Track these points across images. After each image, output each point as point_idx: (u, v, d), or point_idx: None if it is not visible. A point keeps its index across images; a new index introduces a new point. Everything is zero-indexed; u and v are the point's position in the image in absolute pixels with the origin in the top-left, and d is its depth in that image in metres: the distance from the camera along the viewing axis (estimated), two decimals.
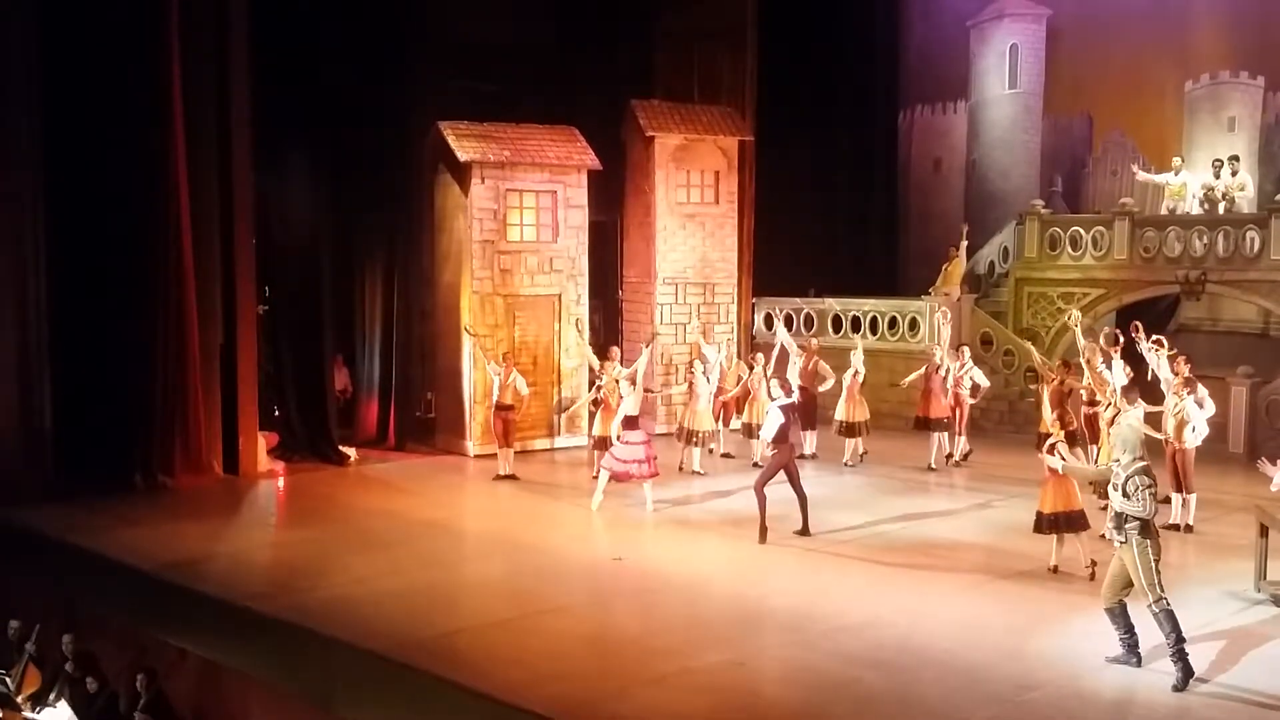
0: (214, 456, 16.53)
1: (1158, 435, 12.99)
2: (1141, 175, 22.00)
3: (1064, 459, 11.17)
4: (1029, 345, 17.95)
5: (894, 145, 27.05)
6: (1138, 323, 14.75)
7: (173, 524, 14.00)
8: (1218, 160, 21.06)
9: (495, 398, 17.05)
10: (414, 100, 19.26)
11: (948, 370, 17.47)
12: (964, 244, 21.73)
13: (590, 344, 18.16)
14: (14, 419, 15.38)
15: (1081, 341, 15.19)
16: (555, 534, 13.77)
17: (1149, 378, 14.25)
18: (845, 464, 17.55)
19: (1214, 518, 14.04)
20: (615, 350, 16.76)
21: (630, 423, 14.43)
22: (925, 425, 17.61)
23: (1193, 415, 13.39)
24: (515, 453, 17.01)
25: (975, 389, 17.60)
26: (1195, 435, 13.45)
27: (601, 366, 16.09)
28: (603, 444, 15.27)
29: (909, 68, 27.05)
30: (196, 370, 16.17)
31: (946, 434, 17.52)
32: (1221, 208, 20.46)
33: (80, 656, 12.90)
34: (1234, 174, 20.74)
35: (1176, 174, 21.30)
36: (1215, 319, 22.16)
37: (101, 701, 12.26)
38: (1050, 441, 11.45)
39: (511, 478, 16.59)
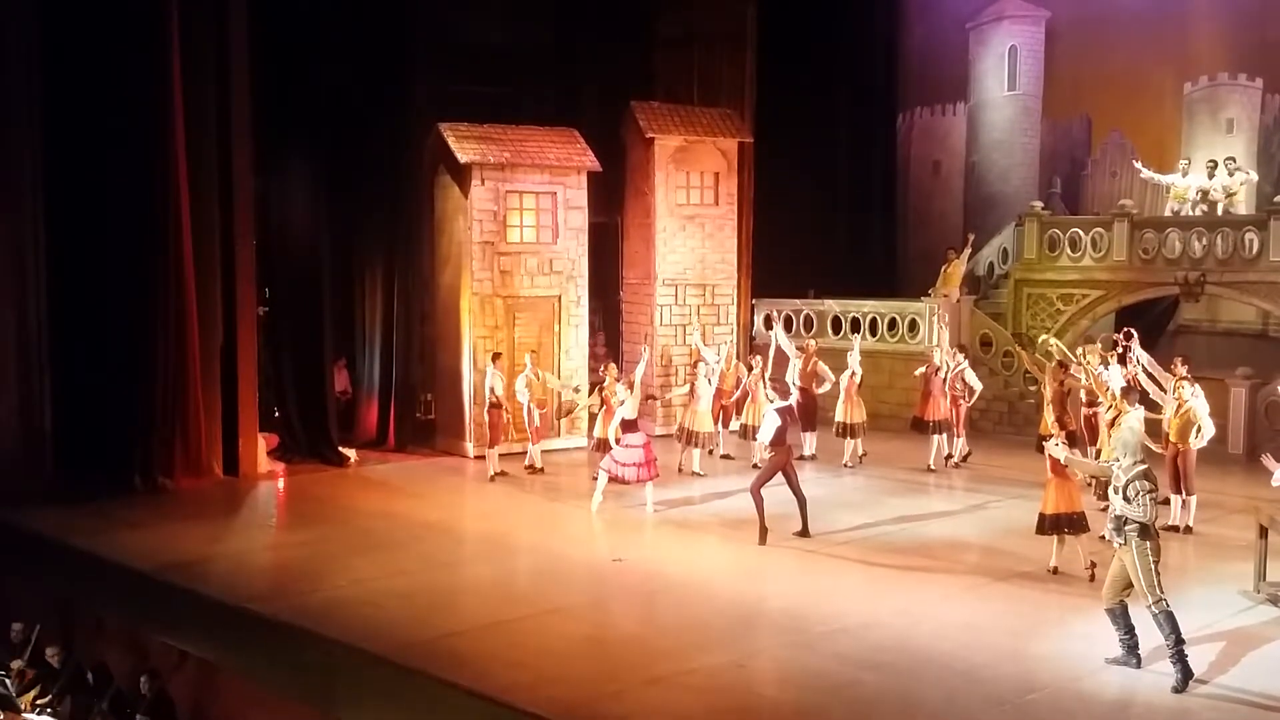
0: (214, 458, 16.53)
1: (1156, 448, 12.96)
2: (1146, 173, 22.00)
3: (1067, 453, 11.18)
4: (1020, 350, 17.95)
5: (893, 147, 27.08)
6: (1130, 329, 14.77)
7: (172, 525, 14.00)
8: (1211, 161, 21.08)
9: (519, 397, 17.07)
10: (414, 102, 19.27)
11: (946, 371, 17.48)
12: (967, 250, 21.75)
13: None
14: (14, 420, 15.39)
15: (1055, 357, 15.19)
16: (555, 535, 13.77)
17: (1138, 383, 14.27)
18: (845, 465, 17.56)
19: (1213, 519, 14.05)
20: (611, 365, 16.73)
21: (629, 426, 14.43)
22: (922, 426, 17.64)
23: (1200, 416, 13.39)
24: (510, 453, 17.16)
25: (969, 391, 17.61)
26: (1201, 437, 13.45)
27: (605, 368, 16.14)
28: (603, 446, 15.30)
29: (908, 70, 27.07)
30: (196, 371, 16.17)
31: (946, 435, 17.53)
32: (1220, 208, 20.48)
33: (79, 660, 12.94)
34: (1230, 174, 20.75)
35: (1184, 175, 21.30)
36: (1214, 320, 22.20)
37: (109, 698, 12.29)
38: (1053, 441, 11.45)
39: (502, 474, 16.74)
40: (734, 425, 18.06)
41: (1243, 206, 20.92)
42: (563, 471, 17.46)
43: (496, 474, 16.80)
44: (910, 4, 26.95)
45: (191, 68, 16.10)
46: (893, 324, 21.45)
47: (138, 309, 15.85)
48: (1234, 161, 21.13)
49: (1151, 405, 13.47)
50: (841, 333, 21.58)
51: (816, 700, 8.79)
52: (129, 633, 12.88)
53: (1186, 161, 21.59)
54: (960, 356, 17.83)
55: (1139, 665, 9.23)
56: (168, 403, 15.94)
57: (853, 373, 17.70)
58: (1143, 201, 23.15)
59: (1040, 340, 16.76)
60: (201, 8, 16.28)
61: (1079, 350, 15.38)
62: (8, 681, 13.01)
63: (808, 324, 22.19)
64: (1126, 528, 9.06)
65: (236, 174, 16.67)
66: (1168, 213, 21.29)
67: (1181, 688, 8.80)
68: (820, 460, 17.75)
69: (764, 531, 13.05)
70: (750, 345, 21.73)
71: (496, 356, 17.59)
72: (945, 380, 17.43)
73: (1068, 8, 25.47)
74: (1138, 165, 22.22)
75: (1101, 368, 14.45)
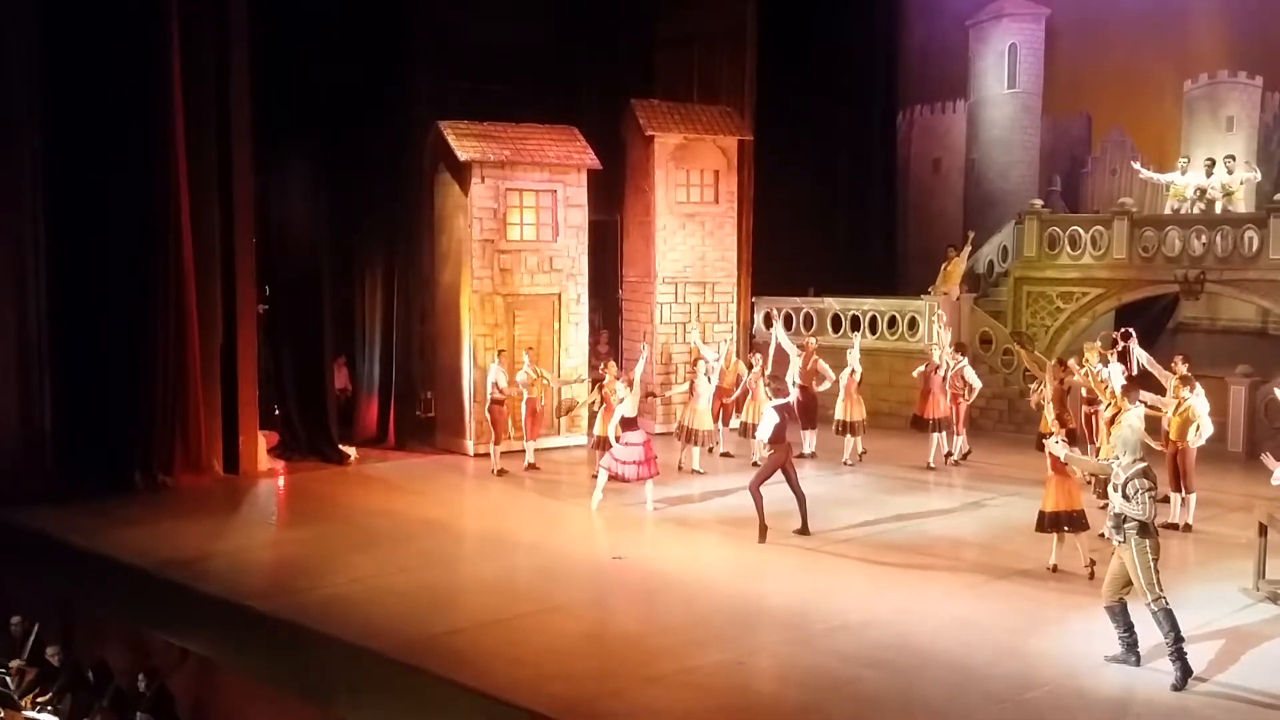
0: (214, 455, 16.54)
1: (1156, 446, 12.96)
2: (1145, 174, 22.01)
3: (1067, 451, 11.18)
4: (1020, 349, 17.94)
5: (893, 145, 27.06)
6: (1128, 329, 14.75)
7: (172, 523, 14.01)
8: (1209, 159, 21.10)
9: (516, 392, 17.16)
10: (414, 100, 19.27)
11: (946, 369, 17.49)
12: (967, 249, 21.75)
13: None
14: (14, 418, 15.40)
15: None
16: (555, 533, 13.78)
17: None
18: (844, 463, 17.56)
19: (1213, 517, 14.06)
20: (610, 363, 16.77)
21: (629, 424, 14.43)
22: (922, 424, 17.66)
23: (1199, 414, 13.40)
24: (511, 451, 17.31)
25: (969, 389, 17.62)
26: (1200, 435, 13.45)
27: (604, 366, 16.17)
28: (603, 444, 15.31)
29: (908, 67, 27.04)
30: (196, 369, 16.18)
31: (945, 433, 17.54)
32: (1220, 206, 20.46)
33: (78, 658, 12.95)
34: (1230, 172, 20.75)
35: (1183, 174, 21.32)
36: (1213, 318, 22.19)
37: (109, 696, 12.30)
38: (1053, 439, 11.45)
39: (504, 471, 16.89)
40: (734, 423, 18.06)
41: (1242, 205, 20.90)
42: (563, 469, 17.47)
43: (500, 470, 16.85)
44: (910, 2, 26.92)
45: (191, 68, 16.10)
46: (892, 322, 21.46)
47: (138, 308, 15.85)
48: (1234, 160, 21.11)
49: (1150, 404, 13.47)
50: (841, 330, 21.57)
51: (816, 698, 8.80)
52: (129, 630, 12.89)
53: (1185, 160, 21.59)
54: (959, 355, 17.84)
55: (1138, 663, 9.23)
56: (168, 401, 15.94)
57: (853, 370, 17.70)
58: (1142, 199, 23.15)
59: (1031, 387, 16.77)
60: (201, 8, 16.28)
61: (1071, 361, 15.42)
62: (8, 680, 13.03)
63: (807, 322, 22.20)
64: (1125, 525, 9.06)
65: (236, 173, 16.67)
66: (1167, 211, 21.28)
67: (1181, 685, 8.81)
68: (820, 458, 17.75)
69: (763, 529, 13.05)
70: (750, 343, 21.74)
71: (501, 353, 17.65)
72: (945, 378, 17.44)
73: (1068, 5, 25.46)
74: (1136, 166, 22.19)
75: (1101, 366, 14.46)
